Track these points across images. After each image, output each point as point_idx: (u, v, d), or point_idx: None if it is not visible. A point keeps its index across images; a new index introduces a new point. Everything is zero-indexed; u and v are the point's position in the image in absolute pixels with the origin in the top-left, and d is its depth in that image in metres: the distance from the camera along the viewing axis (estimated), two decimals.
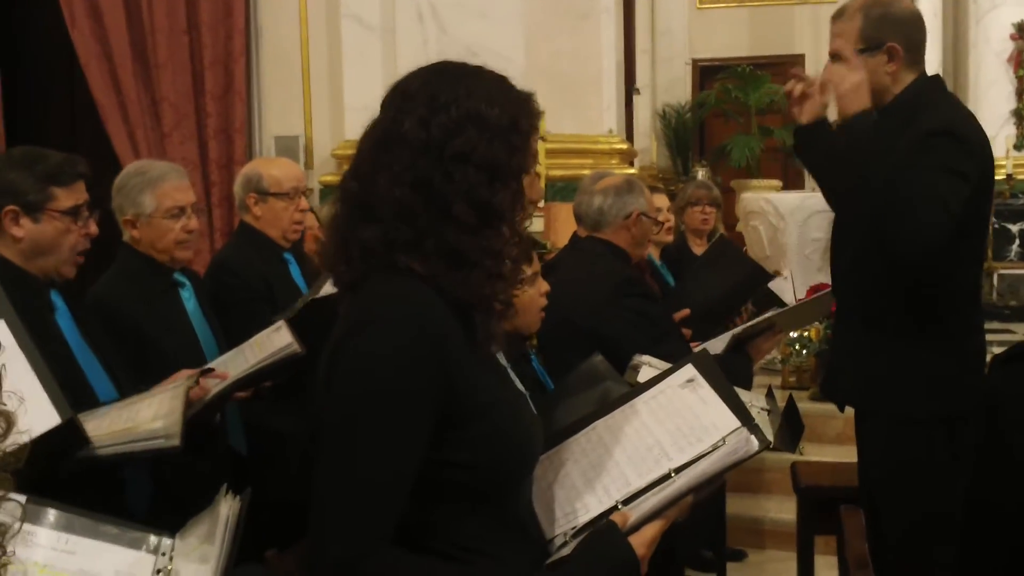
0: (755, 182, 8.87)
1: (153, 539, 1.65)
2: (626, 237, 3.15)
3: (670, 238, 4.50)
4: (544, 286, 2.46)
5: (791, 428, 2.62)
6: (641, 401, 1.68)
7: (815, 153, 2.59)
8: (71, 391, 2.22)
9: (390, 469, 1.36)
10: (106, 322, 2.63)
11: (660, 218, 4.28)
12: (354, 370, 1.39)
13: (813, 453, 5.06)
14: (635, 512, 1.49)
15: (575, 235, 3.30)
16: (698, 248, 4.78)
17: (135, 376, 2.47)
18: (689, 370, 1.68)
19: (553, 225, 5.18)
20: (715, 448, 1.54)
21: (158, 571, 1.62)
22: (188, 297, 2.91)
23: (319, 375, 1.46)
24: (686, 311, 3.43)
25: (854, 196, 2.46)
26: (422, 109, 1.45)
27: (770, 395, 2.74)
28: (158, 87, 5.54)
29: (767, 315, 3.19)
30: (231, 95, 5.57)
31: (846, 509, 2.07)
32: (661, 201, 4.38)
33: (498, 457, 1.44)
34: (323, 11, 5.64)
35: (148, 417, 1.92)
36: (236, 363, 2.51)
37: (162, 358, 2.65)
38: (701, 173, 10.22)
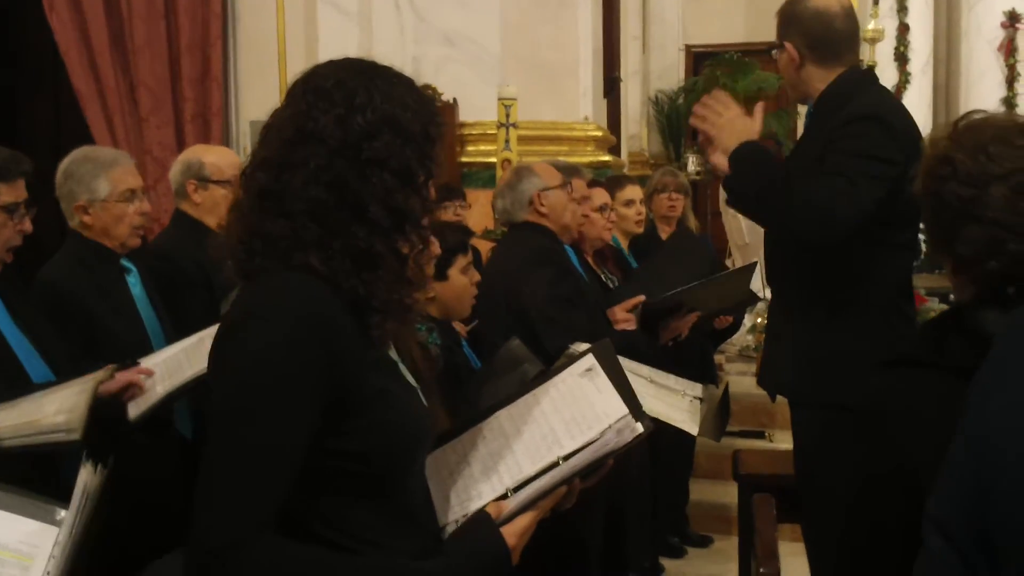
0: None
1: (58, 511, 1.68)
2: (541, 219, 3.15)
3: (640, 229, 4.48)
4: (476, 276, 2.49)
5: (721, 417, 2.64)
6: (542, 390, 1.71)
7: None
8: (2, 374, 2.27)
9: (269, 456, 1.35)
10: (56, 305, 2.65)
11: (632, 210, 4.28)
12: (233, 363, 1.39)
13: (782, 441, 5.09)
14: (512, 502, 1.51)
15: None
16: (667, 236, 4.77)
17: (87, 357, 2.50)
18: (588, 360, 1.70)
19: None
20: (603, 435, 1.57)
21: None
22: (135, 283, 2.95)
23: (208, 364, 1.48)
24: (640, 297, 3.43)
25: (763, 203, 2.43)
26: (339, 108, 1.45)
27: (707, 385, 2.76)
28: (136, 72, 5.55)
29: (673, 292, 3.10)
30: (208, 80, 5.58)
31: (758, 497, 2.09)
32: (634, 192, 4.36)
33: (386, 446, 1.44)
34: None
35: (52, 411, 1.94)
36: (172, 368, 2.51)
37: (111, 341, 2.69)
38: (692, 160, 10.19)
